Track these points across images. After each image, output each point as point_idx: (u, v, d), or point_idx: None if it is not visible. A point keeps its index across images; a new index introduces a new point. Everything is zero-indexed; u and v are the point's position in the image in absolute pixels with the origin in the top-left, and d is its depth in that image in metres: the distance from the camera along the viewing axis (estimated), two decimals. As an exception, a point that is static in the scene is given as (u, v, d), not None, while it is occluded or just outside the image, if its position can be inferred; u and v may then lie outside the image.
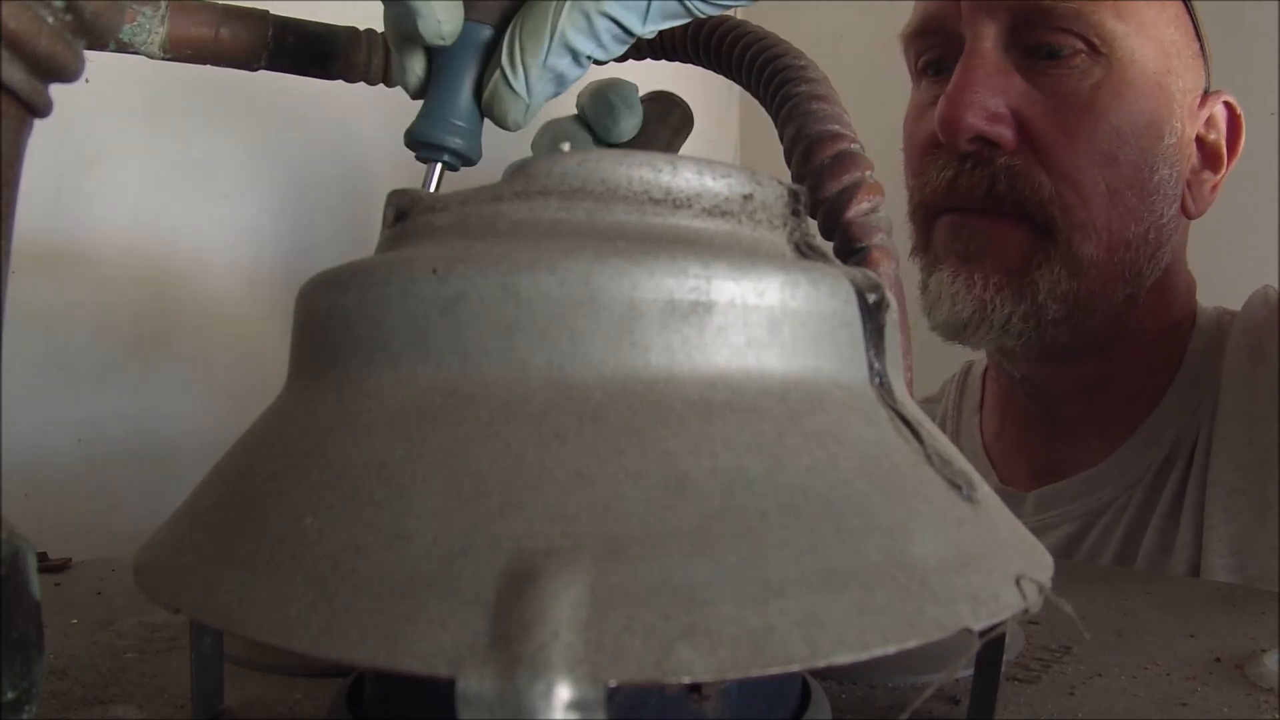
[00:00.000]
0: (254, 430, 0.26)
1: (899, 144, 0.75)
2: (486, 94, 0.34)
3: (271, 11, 0.43)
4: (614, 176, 0.24)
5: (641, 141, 0.48)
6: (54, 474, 0.72)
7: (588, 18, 0.32)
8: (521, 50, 0.33)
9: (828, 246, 0.37)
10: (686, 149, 0.60)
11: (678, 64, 0.48)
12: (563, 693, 0.16)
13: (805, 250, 0.26)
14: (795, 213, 0.27)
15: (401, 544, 0.19)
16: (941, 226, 0.67)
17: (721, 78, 0.46)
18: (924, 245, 0.70)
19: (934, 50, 0.70)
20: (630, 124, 0.46)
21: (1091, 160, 0.63)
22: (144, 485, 0.76)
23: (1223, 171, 0.70)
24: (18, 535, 0.23)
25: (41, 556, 0.47)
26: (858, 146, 0.38)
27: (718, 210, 0.25)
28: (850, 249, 0.37)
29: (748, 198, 0.25)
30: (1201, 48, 0.68)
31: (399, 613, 0.18)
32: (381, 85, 0.47)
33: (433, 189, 0.37)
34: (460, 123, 0.36)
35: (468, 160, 0.37)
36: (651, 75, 0.51)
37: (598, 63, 0.35)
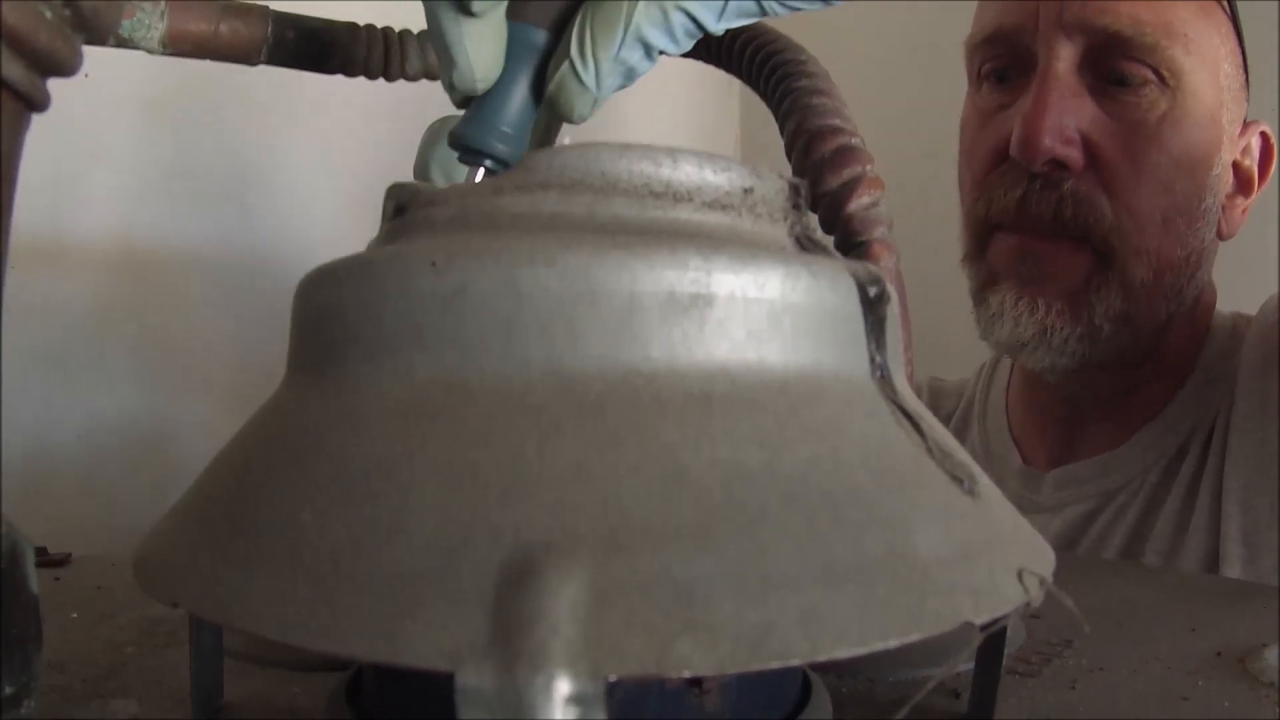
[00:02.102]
0: (252, 425, 0.25)
1: (898, 139, 0.75)
2: (552, 86, 0.33)
3: (271, 6, 0.43)
4: (614, 170, 0.24)
5: None
6: (54, 469, 0.72)
7: (664, 11, 0.31)
8: (593, 43, 0.31)
9: (828, 240, 0.37)
10: (687, 143, 0.60)
11: (679, 58, 0.48)
12: (562, 688, 0.16)
13: (806, 244, 0.26)
14: (796, 206, 0.27)
15: (401, 539, 0.19)
16: (1003, 246, 0.69)
17: (722, 72, 0.46)
18: (978, 254, 0.71)
19: (1000, 60, 0.71)
20: None
21: (1152, 190, 0.65)
22: (143, 480, 0.76)
23: (1252, 196, 0.73)
24: (16, 530, 0.23)
25: (41, 551, 0.47)
26: (858, 141, 0.38)
27: (718, 204, 0.25)
28: (851, 243, 0.37)
29: (748, 191, 0.25)
30: (1246, 80, 0.71)
31: (398, 608, 0.18)
32: (381, 80, 0.47)
33: None
34: (508, 129, 0.34)
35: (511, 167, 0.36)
36: (651, 69, 0.51)
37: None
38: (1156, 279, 0.66)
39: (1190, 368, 0.72)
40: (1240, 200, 0.72)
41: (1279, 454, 0.64)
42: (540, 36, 0.34)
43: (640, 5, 0.30)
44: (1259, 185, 0.73)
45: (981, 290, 0.71)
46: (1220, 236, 0.71)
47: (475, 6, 0.31)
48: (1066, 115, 0.64)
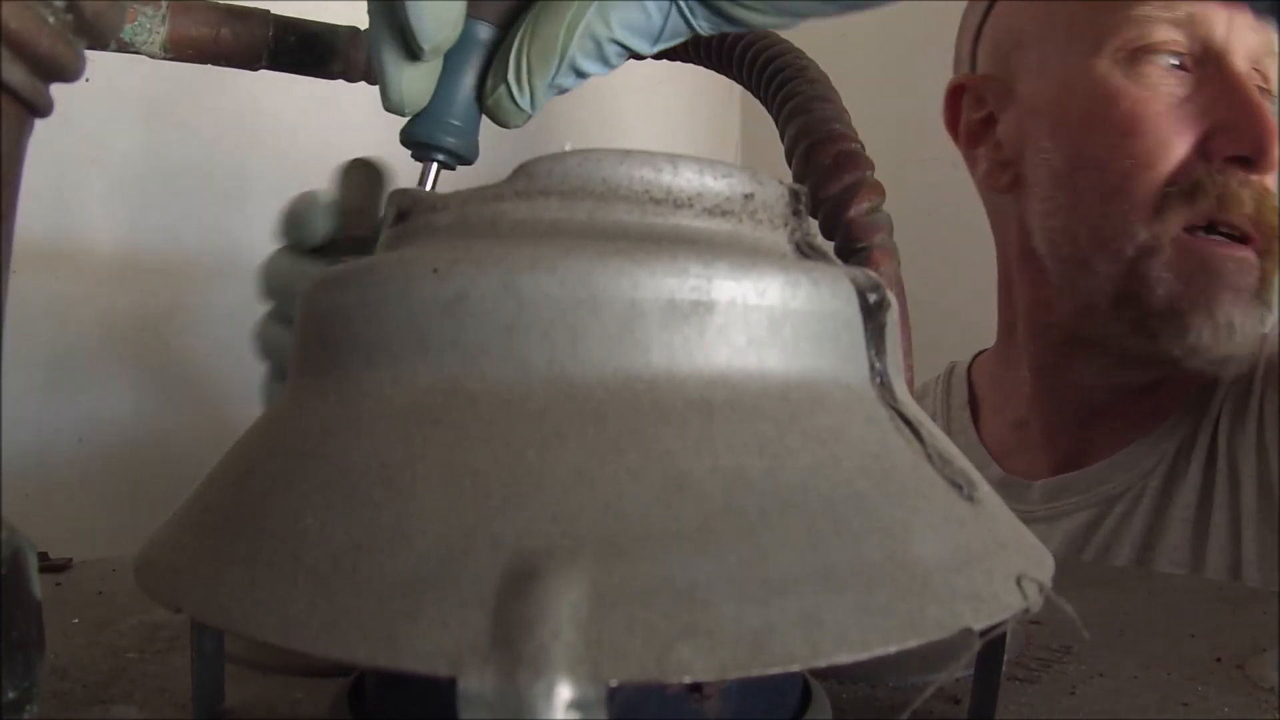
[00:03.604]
0: (255, 430, 0.26)
1: (899, 144, 0.75)
2: (490, 101, 0.34)
3: (272, 11, 0.43)
4: (615, 176, 0.24)
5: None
6: (54, 474, 0.72)
7: (598, 44, 0.31)
8: (529, 72, 0.32)
9: (829, 246, 0.37)
10: (688, 149, 0.60)
11: (679, 63, 0.48)
12: (563, 692, 0.16)
13: (806, 250, 0.26)
14: (796, 212, 0.27)
15: (402, 543, 0.19)
16: (1225, 258, 0.66)
17: (723, 77, 0.46)
18: (1154, 270, 0.67)
19: (1178, 47, 0.68)
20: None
21: None
22: (144, 485, 0.76)
23: None
24: (18, 535, 0.23)
25: (42, 556, 0.47)
26: (859, 146, 0.38)
27: (719, 210, 0.25)
28: (851, 248, 0.37)
29: (749, 197, 0.25)
30: None
31: (400, 612, 0.18)
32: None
33: (428, 188, 0.37)
34: (456, 122, 0.35)
35: (464, 160, 0.37)
36: (652, 75, 0.51)
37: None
38: None
39: (1190, 377, 0.71)
40: None
41: None
42: (486, 31, 0.34)
43: (576, 39, 0.31)
44: None
45: (1183, 304, 0.66)
46: None
47: (424, 56, 0.32)
48: None
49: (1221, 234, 0.65)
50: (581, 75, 0.33)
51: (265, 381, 0.49)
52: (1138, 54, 0.68)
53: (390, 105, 0.34)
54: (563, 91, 0.34)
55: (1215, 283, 0.66)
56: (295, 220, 0.45)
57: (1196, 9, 0.67)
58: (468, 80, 0.35)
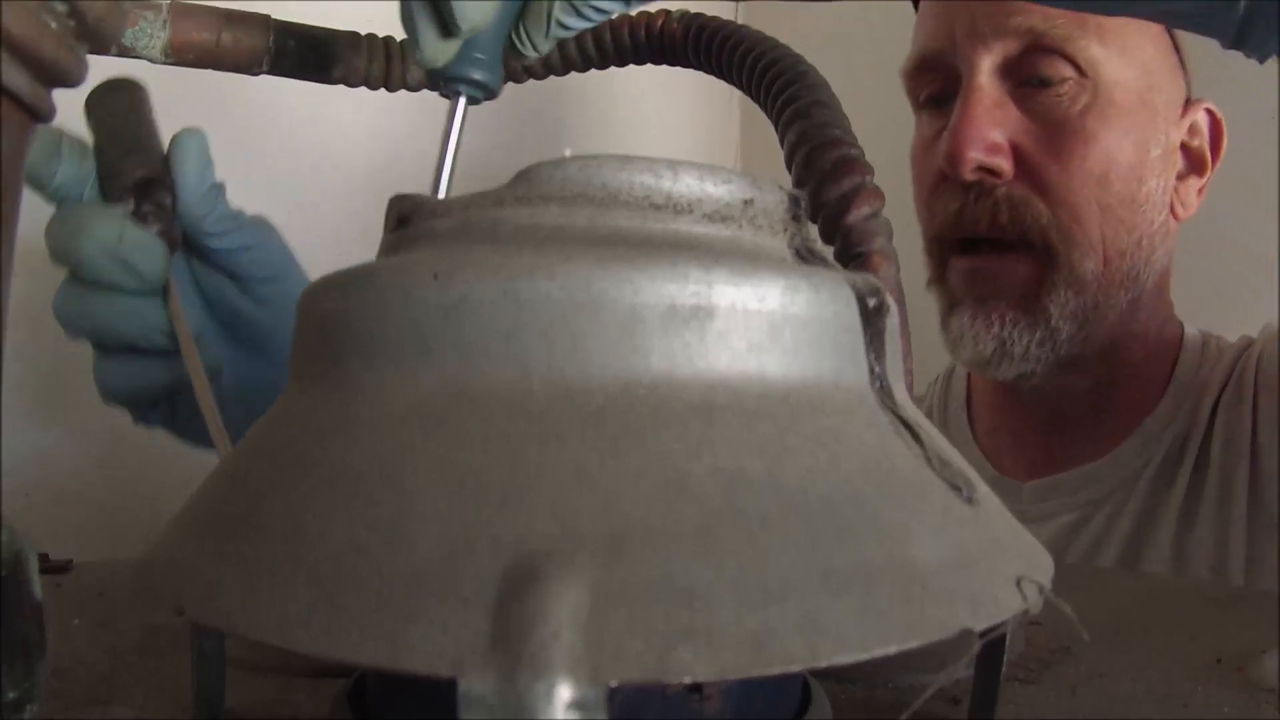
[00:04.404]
0: (255, 432, 0.26)
1: (899, 150, 0.76)
2: (505, 46, 0.39)
3: (273, 16, 0.43)
4: (615, 182, 0.24)
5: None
6: (55, 475, 0.72)
7: (578, 10, 0.37)
8: (528, 35, 0.38)
9: (828, 251, 0.37)
10: (687, 154, 0.60)
11: (678, 69, 0.49)
12: (564, 693, 0.16)
13: (806, 255, 0.26)
14: (796, 218, 0.27)
15: (402, 544, 0.19)
16: (957, 271, 0.71)
17: (722, 82, 0.47)
18: (940, 278, 0.73)
19: (934, 84, 0.73)
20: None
21: (1084, 182, 0.67)
22: (145, 486, 0.76)
23: (1207, 175, 0.74)
24: (19, 536, 0.23)
25: (43, 557, 0.47)
26: (858, 152, 0.38)
27: (718, 215, 0.25)
28: (851, 254, 0.37)
29: (748, 203, 0.26)
30: (1180, 60, 0.72)
31: (400, 613, 0.18)
32: (382, 90, 0.47)
33: (457, 124, 0.38)
34: (480, 55, 0.37)
35: (490, 91, 0.38)
36: (651, 80, 0.51)
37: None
38: (1107, 267, 0.68)
39: (1168, 375, 0.73)
40: (1194, 180, 0.73)
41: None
42: None
43: (558, 5, 0.37)
44: (1213, 164, 0.74)
45: (945, 315, 0.73)
46: (1175, 218, 0.72)
47: (460, 35, 0.36)
48: (990, 125, 0.67)
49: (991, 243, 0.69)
50: (571, 30, 0.38)
51: (95, 362, 0.48)
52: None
53: (423, 63, 0.38)
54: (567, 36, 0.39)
55: (950, 293, 0.72)
56: (33, 166, 0.45)
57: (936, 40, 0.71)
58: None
